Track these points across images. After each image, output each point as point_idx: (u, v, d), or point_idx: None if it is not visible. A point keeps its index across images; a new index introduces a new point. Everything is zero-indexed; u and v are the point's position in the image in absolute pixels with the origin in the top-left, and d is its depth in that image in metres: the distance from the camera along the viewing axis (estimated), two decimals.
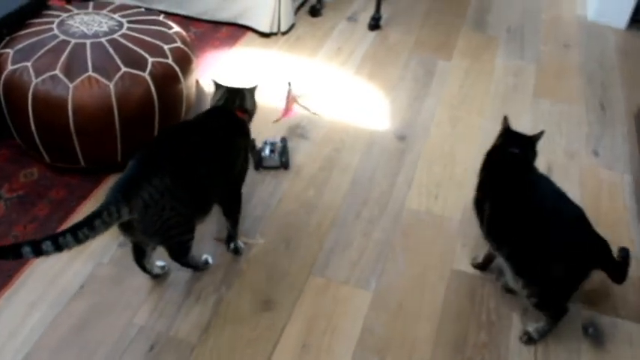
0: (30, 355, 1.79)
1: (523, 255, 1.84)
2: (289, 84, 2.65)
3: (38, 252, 1.56)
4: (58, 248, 1.58)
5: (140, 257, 1.94)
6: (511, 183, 1.95)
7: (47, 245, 1.56)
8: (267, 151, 2.46)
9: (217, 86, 2.10)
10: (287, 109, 2.65)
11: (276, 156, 2.46)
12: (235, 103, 2.05)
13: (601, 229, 2.32)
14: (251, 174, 2.43)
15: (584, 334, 1.97)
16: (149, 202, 1.70)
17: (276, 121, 2.65)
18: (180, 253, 1.93)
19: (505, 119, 2.04)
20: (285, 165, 2.47)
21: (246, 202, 2.31)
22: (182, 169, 1.79)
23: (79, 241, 1.60)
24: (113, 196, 1.68)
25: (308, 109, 2.62)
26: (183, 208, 1.80)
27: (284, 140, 2.53)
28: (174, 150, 1.82)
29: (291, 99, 2.66)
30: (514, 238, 1.87)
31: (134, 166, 1.77)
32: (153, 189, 1.71)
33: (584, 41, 3.50)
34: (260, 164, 2.46)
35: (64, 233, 1.58)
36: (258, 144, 2.50)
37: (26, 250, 1.55)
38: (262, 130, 2.63)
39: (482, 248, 2.18)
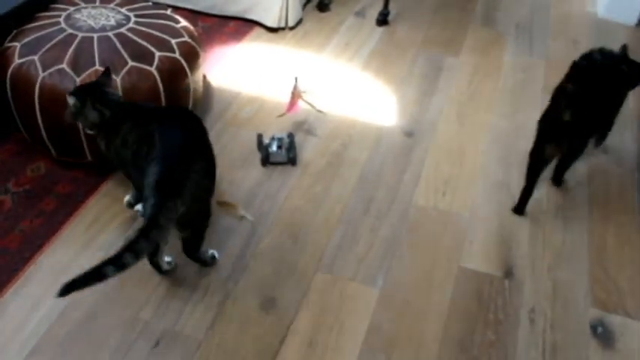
0: (37, 348, 1.79)
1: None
2: (295, 79, 2.62)
3: (121, 267, 1.57)
4: (137, 257, 1.60)
5: (155, 254, 1.94)
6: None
7: (127, 258, 1.58)
8: (274, 147, 2.44)
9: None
10: (292, 105, 2.62)
11: (283, 152, 2.44)
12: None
13: (609, 227, 2.32)
14: (258, 170, 2.43)
15: (592, 333, 1.95)
16: (194, 191, 1.74)
17: (280, 115, 2.63)
18: (199, 245, 1.96)
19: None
20: (292, 161, 2.46)
21: (254, 198, 2.30)
22: (203, 152, 1.83)
23: (151, 244, 1.65)
24: (161, 192, 1.69)
25: (313, 106, 2.60)
26: (210, 193, 1.85)
27: (291, 136, 2.52)
28: (185, 135, 1.84)
29: (296, 94, 2.62)
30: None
31: (165, 157, 1.76)
32: (196, 175, 1.75)
33: (593, 38, 3.48)
34: (267, 160, 2.45)
35: (137, 240, 1.60)
36: (266, 140, 2.48)
37: (109, 269, 1.56)
38: (268, 126, 2.63)
39: (491, 245, 2.17)
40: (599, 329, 1.96)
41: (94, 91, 1.94)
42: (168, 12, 2.55)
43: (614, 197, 2.45)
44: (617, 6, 3.62)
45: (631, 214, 2.37)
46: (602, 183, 2.51)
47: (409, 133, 2.68)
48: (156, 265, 1.97)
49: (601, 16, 3.68)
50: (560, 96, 2.19)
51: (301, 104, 2.66)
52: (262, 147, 2.47)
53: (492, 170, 2.52)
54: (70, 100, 1.91)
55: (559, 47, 3.36)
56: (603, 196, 2.45)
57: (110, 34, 2.29)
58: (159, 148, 1.78)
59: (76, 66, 2.17)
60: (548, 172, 2.39)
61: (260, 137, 2.51)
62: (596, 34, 3.52)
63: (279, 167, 2.45)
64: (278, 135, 2.50)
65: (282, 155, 2.45)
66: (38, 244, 2.07)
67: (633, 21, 3.63)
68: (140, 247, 1.60)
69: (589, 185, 2.48)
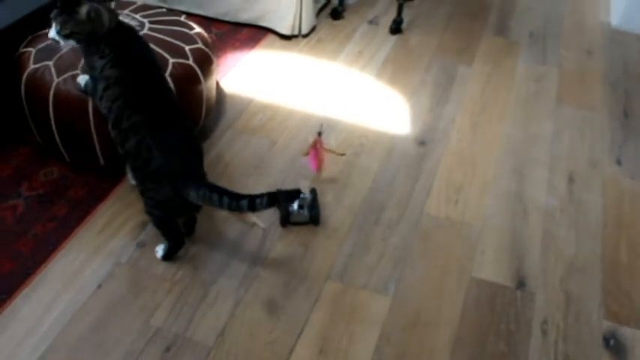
0: (47, 352, 1.79)
1: None
2: (319, 133, 2.39)
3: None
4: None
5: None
6: None
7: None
8: (295, 207, 2.22)
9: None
10: (318, 161, 2.42)
11: (305, 211, 2.23)
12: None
13: (622, 239, 2.30)
14: (269, 176, 2.43)
15: (604, 345, 1.94)
16: None
17: (317, 173, 2.47)
18: None
19: None
20: (314, 220, 2.24)
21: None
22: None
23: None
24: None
25: (334, 152, 2.49)
26: None
27: (314, 192, 2.31)
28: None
29: (320, 150, 2.40)
30: None
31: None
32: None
33: (607, 47, 3.46)
34: (287, 220, 2.23)
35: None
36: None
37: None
38: (284, 139, 2.63)
39: (503, 256, 2.17)
40: (612, 342, 1.95)
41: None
42: (182, 18, 2.56)
43: (628, 209, 2.43)
44: (631, 16, 3.61)
45: None
46: (616, 195, 2.49)
47: (422, 142, 2.67)
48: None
49: (615, 26, 3.67)
50: None
51: (326, 157, 2.45)
52: (282, 205, 2.22)
53: (504, 180, 2.51)
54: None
55: (572, 57, 3.35)
56: (616, 207, 2.43)
57: None
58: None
59: None
60: (552, 177, 2.38)
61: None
62: (610, 44, 3.51)
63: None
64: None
65: (304, 215, 2.23)
66: (50, 249, 2.08)
67: None
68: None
69: (602, 197, 2.47)
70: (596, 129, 2.83)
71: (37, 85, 2.19)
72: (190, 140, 1.98)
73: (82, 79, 2.11)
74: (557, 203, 2.41)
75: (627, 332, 1.98)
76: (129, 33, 2.02)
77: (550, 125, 2.84)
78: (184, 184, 1.86)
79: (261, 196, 1.82)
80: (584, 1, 3.95)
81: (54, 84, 2.16)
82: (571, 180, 2.52)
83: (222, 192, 1.84)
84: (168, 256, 2.07)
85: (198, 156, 1.99)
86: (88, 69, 2.01)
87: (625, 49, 3.47)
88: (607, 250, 2.24)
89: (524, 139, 2.73)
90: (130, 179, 2.19)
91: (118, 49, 1.94)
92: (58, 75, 2.17)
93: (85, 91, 2.11)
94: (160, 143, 1.87)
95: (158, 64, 2.07)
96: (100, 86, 1.93)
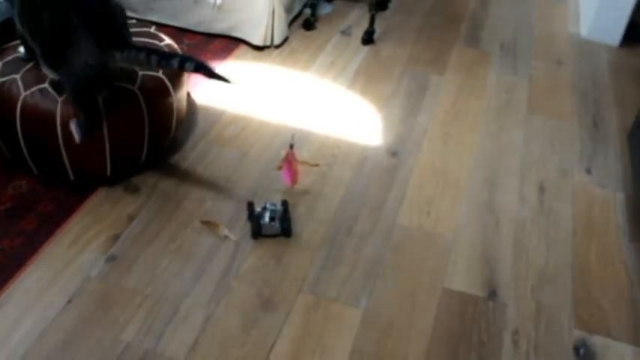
0: None
1: None
2: (291, 146, 2.36)
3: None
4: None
5: None
6: None
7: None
8: (266, 219, 2.20)
9: None
10: (292, 174, 2.40)
11: (276, 224, 2.21)
12: None
13: (592, 248, 2.32)
14: (241, 188, 2.42)
15: (575, 354, 1.95)
16: None
17: (291, 186, 2.45)
18: None
19: None
20: (286, 232, 2.23)
21: (237, 217, 2.29)
22: None
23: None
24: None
25: (308, 163, 2.48)
26: None
27: (285, 204, 2.30)
28: None
29: (294, 162, 2.38)
30: None
31: None
32: None
33: (577, 58, 3.51)
34: (259, 233, 2.22)
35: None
36: (257, 208, 2.26)
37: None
38: (256, 150, 2.62)
39: (475, 266, 2.17)
40: (582, 350, 1.96)
41: None
42: (152, 30, 2.55)
43: (598, 218, 2.45)
44: (599, 27, 3.66)
45: (614, 235, 2.38)
46: (586, 203, 2.52)
47: (394, 153, 2.68)
48: None
49: (584, 37, 3.72)
50: None
51: (300, 168, 2.43)
52: (253, 217, 2.23)
53: (477, 190, 2.52)
54: None
55: (542, 67, 3.38)
56: (586, 216, 2.45)
57: None
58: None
59: (58, 85, 2.15)
60: (523, 187, 2.40)
61: (251, 206, 2.28)
62: (579, 54, 3.55)
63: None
64: (270, 204, 2.23)
65: (276, 228, 2.21)
66: (18, 264, 2.04)
67: (616, 41, 3.66)
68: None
69: (572, 206, 2.49)
70: (566, 139, 2.86)
71: (4, 98, 2.16)
72: (107, 2, 2.03)
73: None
74: (528, 213, 2.43)
75: (598, 341, 2.00)
76: None
77: (521, 135, 2.86)
78: (106, 46, 1.88)
79: (191, 59, 1.91)
80: (553, 11, 4.00)
81: (21, 97, 2.14)
82: (541, 189, 2.54)
83: (151, 51, 1.89)
84: (85, 132, 2.10)
85: (119, 17, 2.03)
86: None
87: (594, 60, 3.52)
88: (577, 259, 2.26)
89: (496, 149, 2.75)
90: (49, 74, 2.17)
91: None
92: (25, 88, 2.15)
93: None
94: (75, 5, 1.90)
95: None
96: None
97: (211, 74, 1.97)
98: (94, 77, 2.00)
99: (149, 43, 2.42)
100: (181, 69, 1.89)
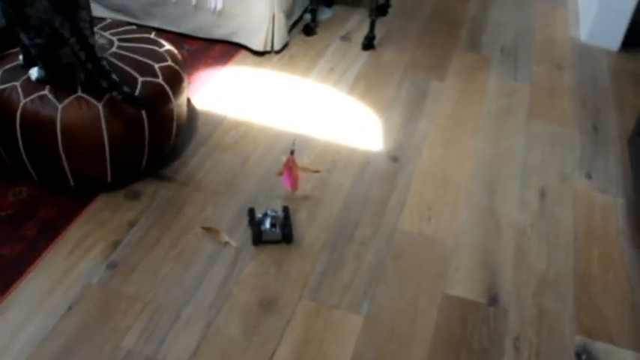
0: None
1: None
2: (292, 152, 2.35)
3: None
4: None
5: None
6: None
7: None
8: (267, 225, 2.20)
9: None
10: (293, 180, 2.39)
11: (277, 230, 2.21)
12: None
13: (594, 253, 2.32)
14: (242, 194, 2.42)
15: None
16: None
17: (292, 192, 2.45)
18: None
19: None
20: (287, 239, 2.23)
21: (238, 223, 2.29)
22: None
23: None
24: None
25: (309, 169, 2.48)
26: None
27: (286, 210, 2.30)
28: None
29: (294, 168, 2.37)
30: None
31: None
32: None
33: (577, 63, 3.51)
34: (260, 239, 2.21)
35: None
36: (258, 214, 2.27)
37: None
38: (257, 156, 2.62)
39: (476, 272, 2.17)
40: (583, 357, 1.96)
41: None
42: (152, 35, 2.55)
43: (599, 223, 2.45)
44: (599, 31, 3.66)
45: (615, 240, 2.38)
46: (586, 208, 2.51)
47: (394, 158, 2.68)
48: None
49: (584, 41, 3.72)
50: None
51: (301, 174, 2.43)
52: (254, 223, 2.23)
53: (477, 196, 2.52)
54: None
55: (543, 72, 3.38)
56: (587, 221, 2.45)
57: None
58: None
59: (58, 92, 2.15)
60: (524, 192, 2.39)
61: (252, 212, 2.28)
62: (579, 59, 3.55)
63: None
64: (271, 210, 2.23)
65: (277, 234, 2.21)
66: (19, 271, 2.04)
67: (616, 46, 3.66)
68: None
69: (573, 211, 2.49)
70: (567, 144, 2.86)
71: (4, 105, 2.16)
72: None
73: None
74: (528, 218, 2.43)
75: (599, 347, 1.99)
76: None
77: (521, 140, 2.86)
78: (61, 7, 2.03)
79: (120, 90, 2.10)
80: (554, 16, 4.00)
81: (21, 104, 2.14)
82: (542, 195, 2.54)
83: (90, 55, 2.09)
84: (40, 80, 2.18)
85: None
86: None
87: (594, 64, 3.52)
88: (579, 265, 2.26)
89: (496, 154, 2.75)
90: (24, 39, 2.20)
91: None
92: (25, 96, 2.15)
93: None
94: None
95: None
96: None
97: (136, 103, 2.20)
98: (53, 35, 2.08)
99: (149, 49, 2.43)
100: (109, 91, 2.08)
